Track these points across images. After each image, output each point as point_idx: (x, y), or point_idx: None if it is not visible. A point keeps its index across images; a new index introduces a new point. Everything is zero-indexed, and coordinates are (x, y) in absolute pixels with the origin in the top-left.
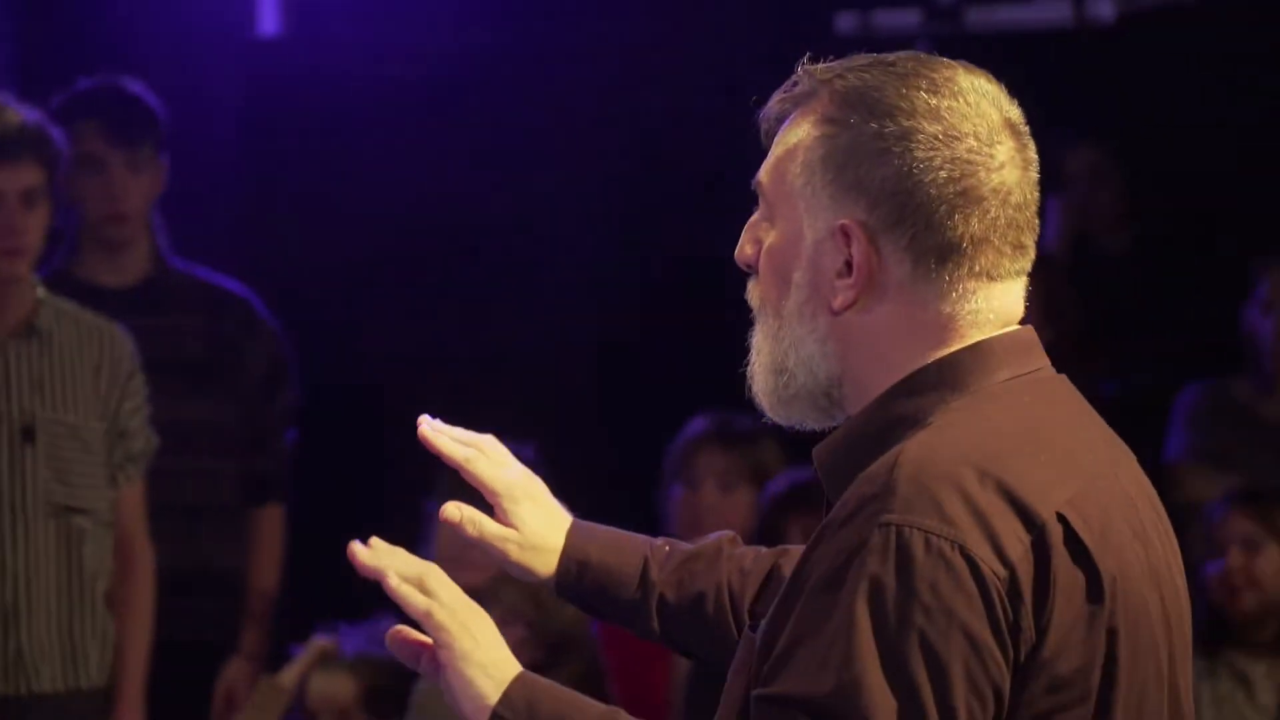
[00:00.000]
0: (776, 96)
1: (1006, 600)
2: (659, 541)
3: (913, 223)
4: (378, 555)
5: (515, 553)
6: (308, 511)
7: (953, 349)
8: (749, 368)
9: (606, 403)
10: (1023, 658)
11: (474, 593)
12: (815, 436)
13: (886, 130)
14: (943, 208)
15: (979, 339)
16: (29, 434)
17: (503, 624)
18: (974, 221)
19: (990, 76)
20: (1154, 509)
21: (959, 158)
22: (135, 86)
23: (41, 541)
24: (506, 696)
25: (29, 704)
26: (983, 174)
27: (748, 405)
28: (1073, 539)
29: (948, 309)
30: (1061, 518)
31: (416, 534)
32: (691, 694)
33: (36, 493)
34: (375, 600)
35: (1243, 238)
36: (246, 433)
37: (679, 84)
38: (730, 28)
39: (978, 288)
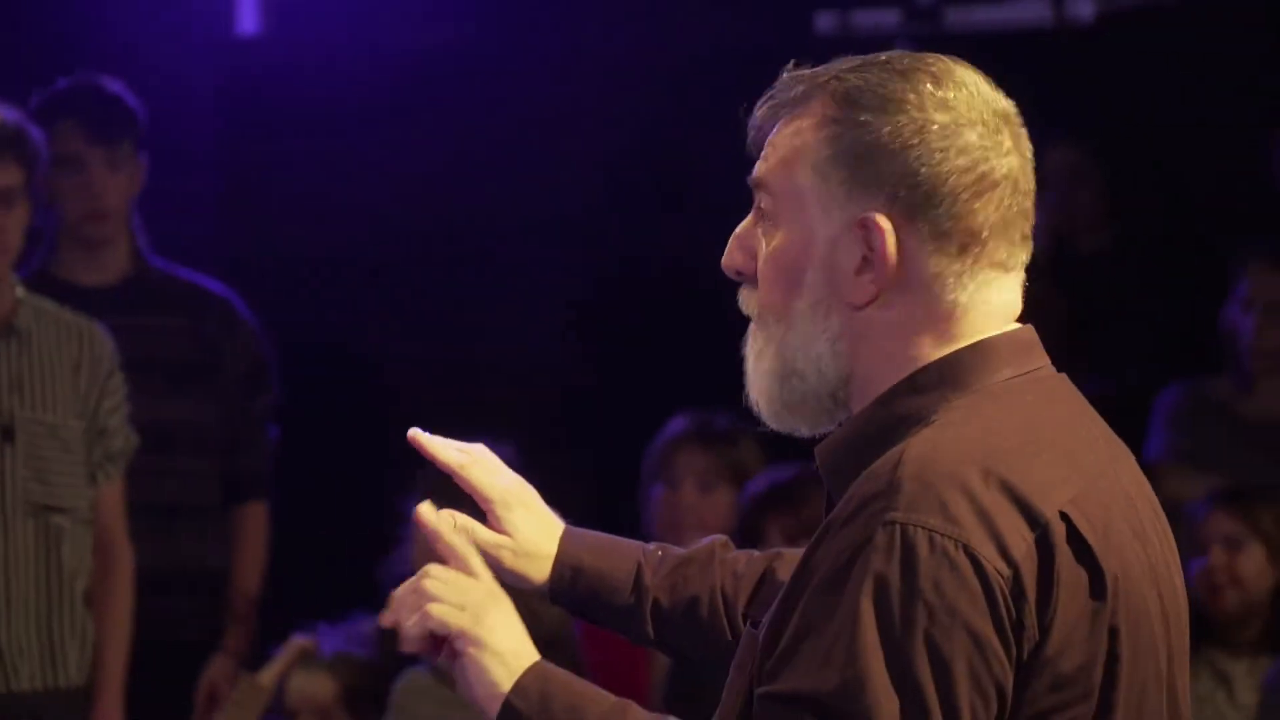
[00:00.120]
0: (763, 103)
1: (1010, 599)
2: (652, 546)
3: (934, 212)
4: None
5: (509, 559)
6: (289, 511)
7: (959, 345)
8: (747, 375)
9: (585, 402)
10: (1026, 656)
11: None
12: (796, 439)
13: (900, 123)
14: (963, 195)
15: (982, 337)
16: (8, 433)
17: None
18: (991, 209)
19: (976, 71)
20: (1152, 508)
21: (972, 145)
22: (114, 85)
23: (20, 540)
24: (520, 685)
25: (7, 702)
26: (994, 160)
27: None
28: (1076, 538)
29: (964, 299)
30: (1065, 516)
31: (396, 533)
32: (672, 693)
33: (15, 492)
34: (355, 599)
35: (1222, 237)
36: (227, 432)
37: (658, 85)
38: (709, 27)
39: (992, 278)
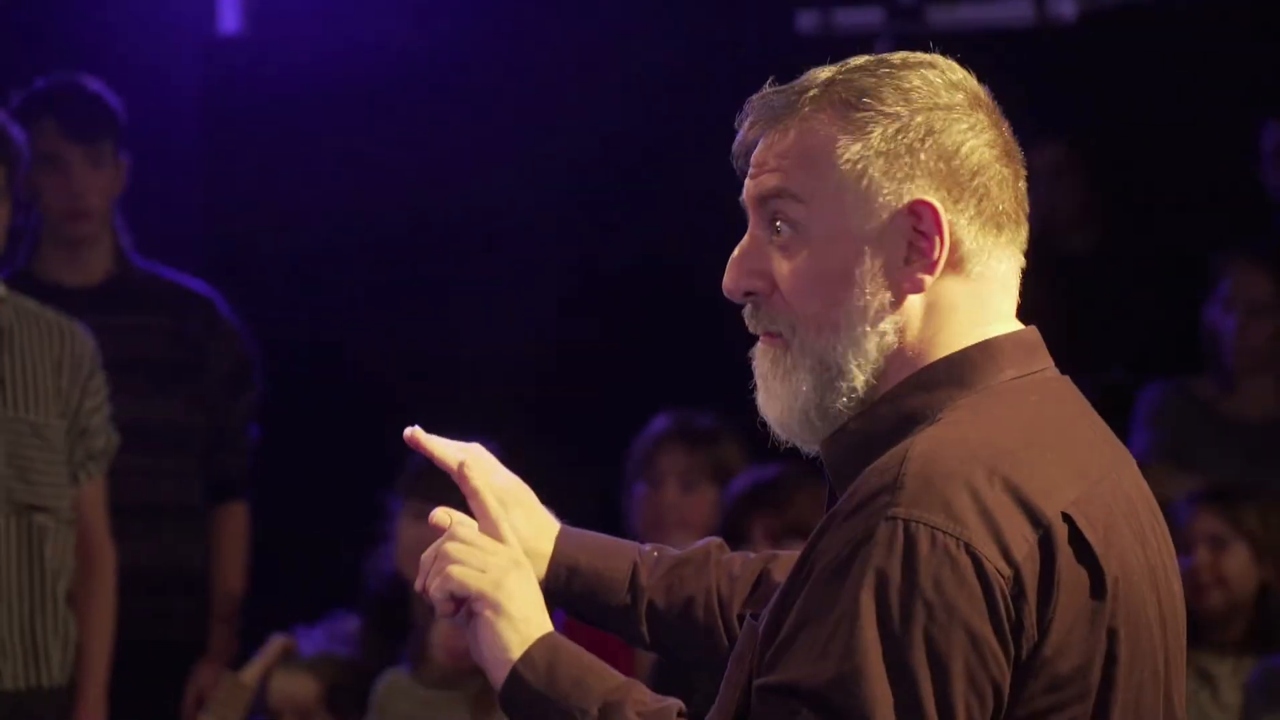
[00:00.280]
0: (750, 119)
1: (1009, 599)
2: (647, 547)
3: (975, 194)
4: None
5: None
6: (272, 509)
7: (991, 329)
8: (765, 395)
9: (567, 401)
10: (1024, 655)
11: None
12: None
13: (929, 112)
14: (995, 176)
15: (988, 337)
16: None
17: None
18: (1015, 189)
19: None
20: (1151, 511)
21: (987, 127)
22: (94, 84)
23: (3, 539)
24: (528, 655)
25: None
26: (1006, 137)
27: (710, 404)
28: (1078, 539)
29: (999, 282)
30: (1067, 518)
31: (379, 531)
32: (657, 689)
33: None
34: (338, 597)
35: (1204, 236)
36: (210, 432)
37: (640, 83)
38: (691, 25)
39: (1015, 260)
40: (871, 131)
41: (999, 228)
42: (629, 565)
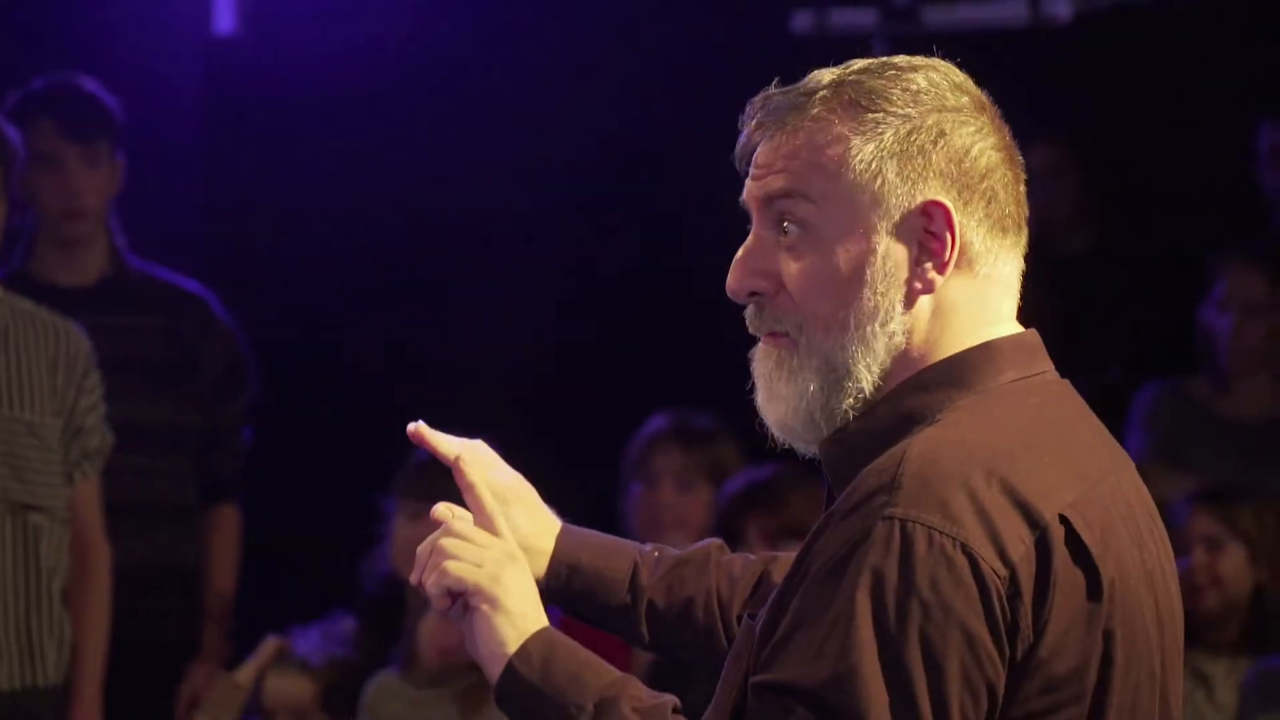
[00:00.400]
0: (755, 119)
1: (1005, 599)
2: (648, 547)
3: (983, 196)
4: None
5: None
6: (268, 509)
7: (994, 329)
8: (767, 396)
9: (564, 401)
10: (1019, 656)
11: None
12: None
13: (939, 114)
14: (1001, 179)
15: (989, 339)
16: None
17: None
18: (1017, 193)
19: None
20: (1149, 514)
21: (992, 130)
22: (91, 84)
23: None
24: (524, 649)
25: None
26: (1009, 146)
27: (706, 403)
28: (1074, 540)
29: (1003, 284)
30: (1064, 519)
31: (374, 532)
32: (652, 688)
33: None
34: (334, 598)
35: (1200, 236)
36: (204, 433)
37: (635, 84)
38: (687, 27)
39: (1017, 263)
40: (884, 132)
41: (1004, 230)
42: (629, 565)
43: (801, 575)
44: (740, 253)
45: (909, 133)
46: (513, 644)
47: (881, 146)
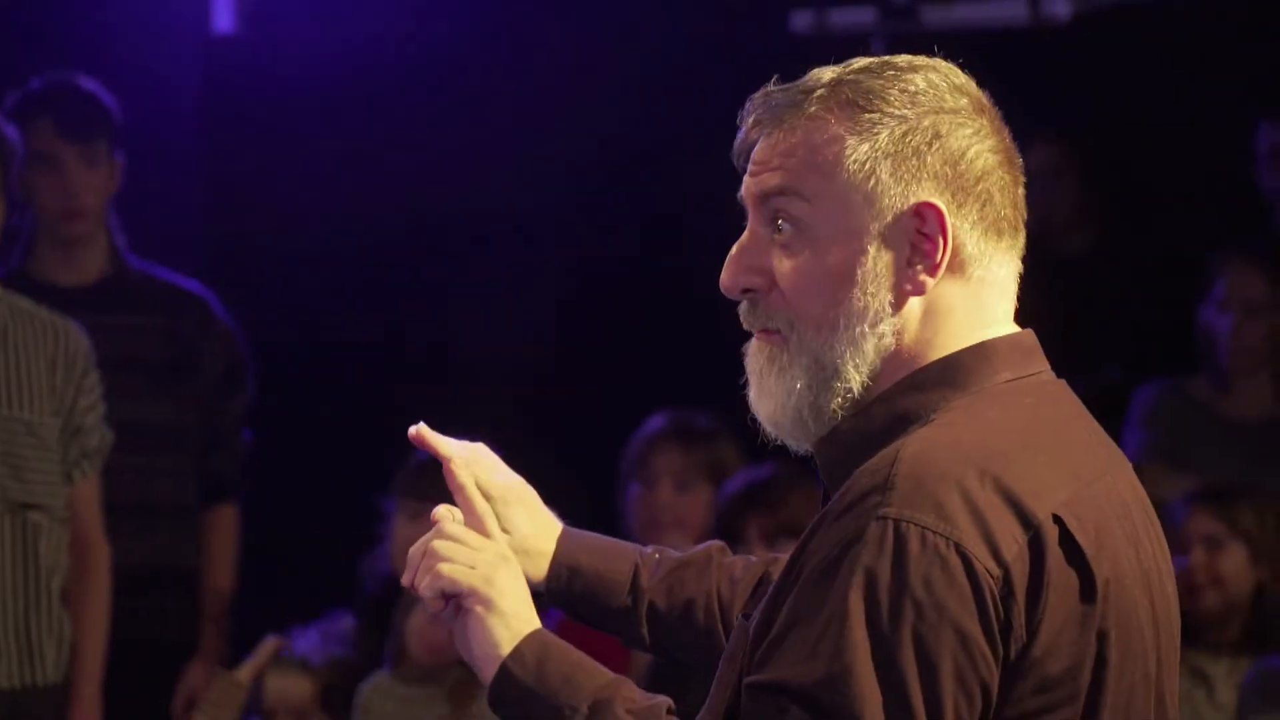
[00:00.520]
0: (755, 116)
1: (999, 599)
2: (649, 549)
3: (978, 199)
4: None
5: None
6: (268, 509)
7: (988, 331)
8: (758, 392)
9: (563, 401)
10: (1012, 656)
11: None
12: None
13: (936, 115)
14: (997, 182)
15: (984, 339)
16: None
17: None
18: (1014, 195)
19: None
20: (1146, 514)
21: (990, 133)
22: (89, 84)
23: None
24: (518, 651)
25: None
26: (1008, 148)
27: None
28: (1068, 540)
29: (998, 287)
30: (1057, 519)
31: (374, 532)
32: (652, 691)
33: None
34: (334, 598)
35: (1200, 236)
36: (203, 432)
37: (633, 83)
38: (686, 26)
39: (1013, 265)
40: (879, 133)
41: (1000, 233)
42: (630, 567)
43: (795, 575)
44: (735, 249)
45: (904, 134)
46: (506, 645)
47: (876, 147)
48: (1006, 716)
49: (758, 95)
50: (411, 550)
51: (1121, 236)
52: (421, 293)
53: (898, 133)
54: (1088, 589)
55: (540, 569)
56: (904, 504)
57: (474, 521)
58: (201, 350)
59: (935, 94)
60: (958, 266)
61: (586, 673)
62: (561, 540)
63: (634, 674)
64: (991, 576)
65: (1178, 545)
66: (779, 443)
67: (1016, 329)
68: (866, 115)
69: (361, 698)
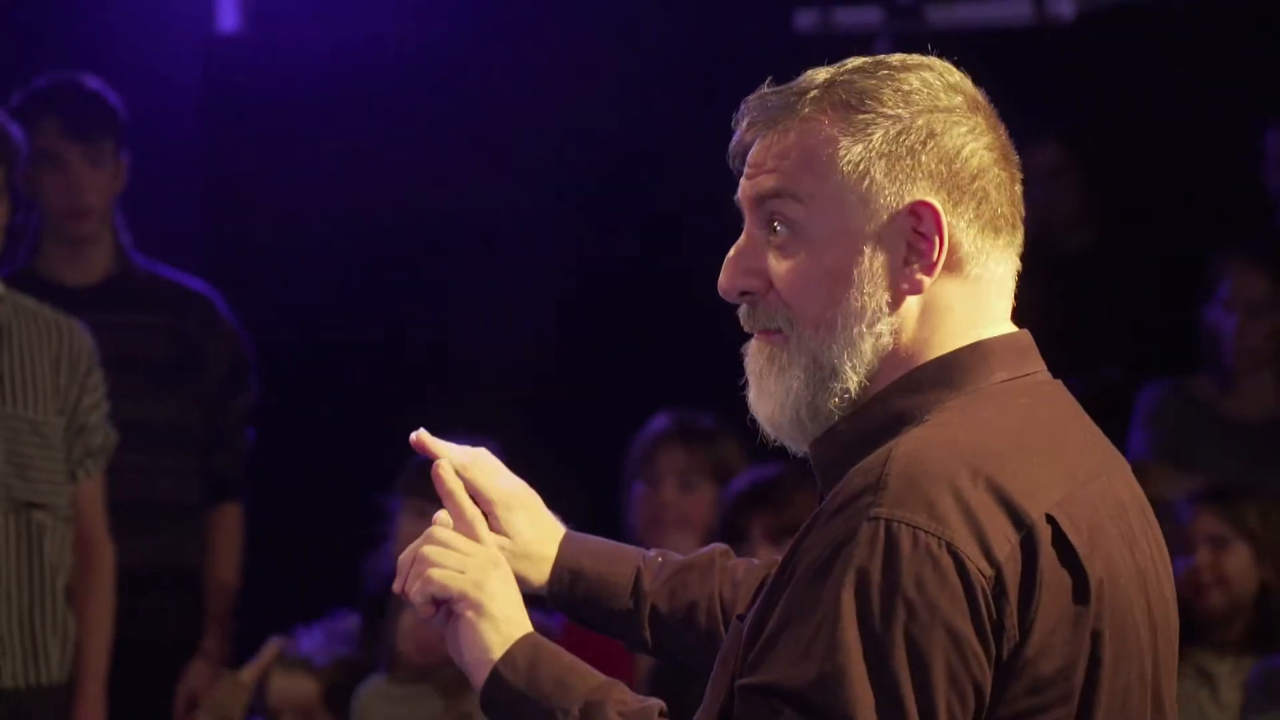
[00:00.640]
0: (749, 118)
1: (991, 599)
2: (651, 553)
3: (974, 197)
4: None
5: (508, 561)
6: (272, 509)
7: (985, 331)
8: (757, 392)
9: (566, 401)
10: (1005, 656)
11: None
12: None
13: (930, 114)
14: (994, 180)
15: (980, 339)
16: None
17: None
18: (1012, 193)
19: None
20: (1144, 515)
21: (986, 130)
22: (94, 83)
23: (1, 537)
24: (509, 654)
25: None
26: (1004, 146)
27: (709, 403)
28: (1061, 540)
29: (995, 285)
30: (1050, 519)
31: (378, 531)
32: (654, 693)
33: None
34: (338, 597)
35: (1202, 236)
36: (207, 431)
37: (637, 83)
38: (690, 26)
39: (1011, 263)
40: (873, 133)
41: (996, 231)
42: (632, 570)
43: (788, 576)
44: (732, 252)
45: (898, 134)
46: (497, 650)
47: (870, 147)
48: (999, 717)
49: (752, 97)
50: (401, 556)
51: (1121, 236)
52: (421, 293)
53: (892, 132)
54: (1081, 589)
55: (542, 574)
56: (896, 504)
57: (464, 526)
58: (206, 349)
59: (929, 93)
60: (955, 265)
61: (578, 675)
62: (564, 544)
63: (637, 677)
64: (984, 576)
65: (1182, 545)
66: (778, 444)
67: (1014, 328)
68: (860, 116)
69: (358, 702)
